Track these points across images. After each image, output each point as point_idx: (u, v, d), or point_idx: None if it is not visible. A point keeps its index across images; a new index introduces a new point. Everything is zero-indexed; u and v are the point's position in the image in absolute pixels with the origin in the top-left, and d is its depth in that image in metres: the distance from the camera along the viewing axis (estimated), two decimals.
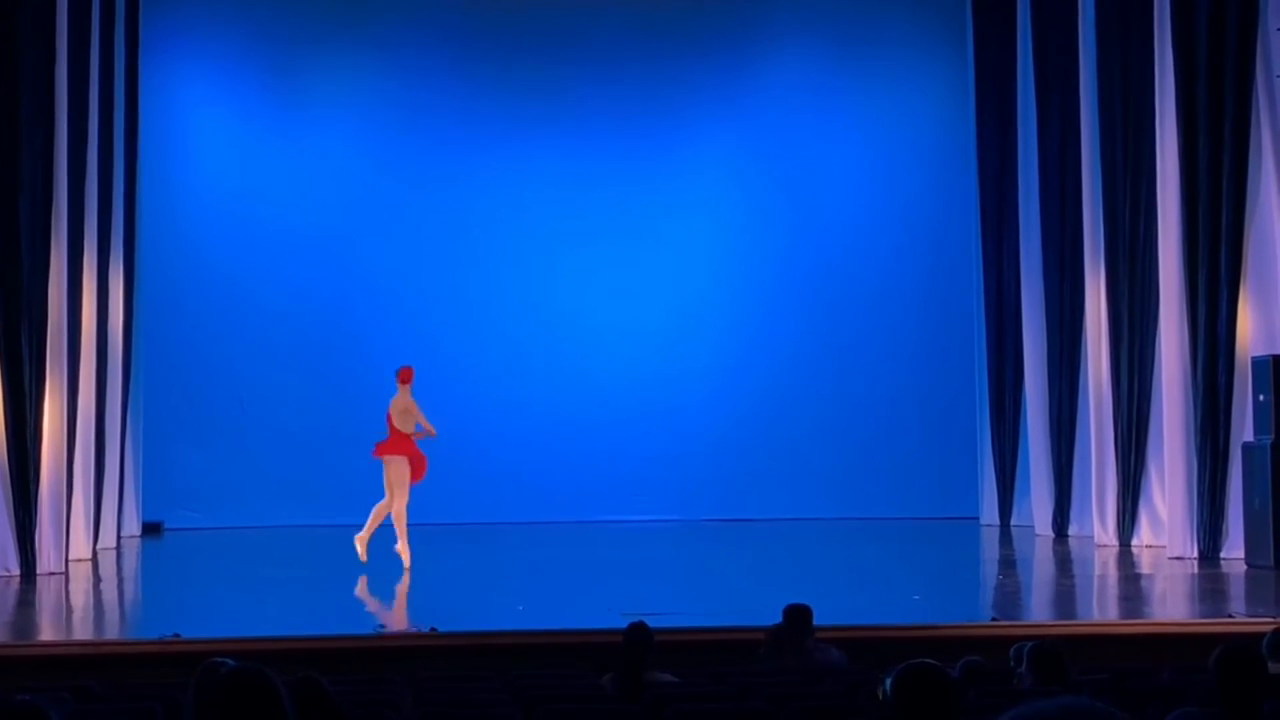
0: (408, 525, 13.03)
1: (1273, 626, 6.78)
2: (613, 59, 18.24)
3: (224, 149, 17.98)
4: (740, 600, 11.14)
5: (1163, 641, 8.97)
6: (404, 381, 13.33)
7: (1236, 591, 11.48)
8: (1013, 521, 16.83)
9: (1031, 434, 16.19)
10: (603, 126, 18.23)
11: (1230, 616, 9.71)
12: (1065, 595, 12.12)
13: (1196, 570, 12.54)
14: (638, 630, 7.14)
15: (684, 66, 18.22)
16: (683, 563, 14.72)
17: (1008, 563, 14.43)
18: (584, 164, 18.22)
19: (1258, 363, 12.75)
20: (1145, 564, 13.11)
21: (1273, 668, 5.81)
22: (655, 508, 17.65)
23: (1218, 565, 12.72)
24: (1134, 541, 14.13)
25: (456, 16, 18.17)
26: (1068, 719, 1.93)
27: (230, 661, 4.12)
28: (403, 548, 12.98)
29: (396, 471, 13.16)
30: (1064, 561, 14.03)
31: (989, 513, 17.14)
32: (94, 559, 14.15)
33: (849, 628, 8.88)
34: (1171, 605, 11.30)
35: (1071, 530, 15.56)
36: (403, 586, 12.53)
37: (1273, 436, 12.42)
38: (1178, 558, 13.05)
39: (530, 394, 17.76)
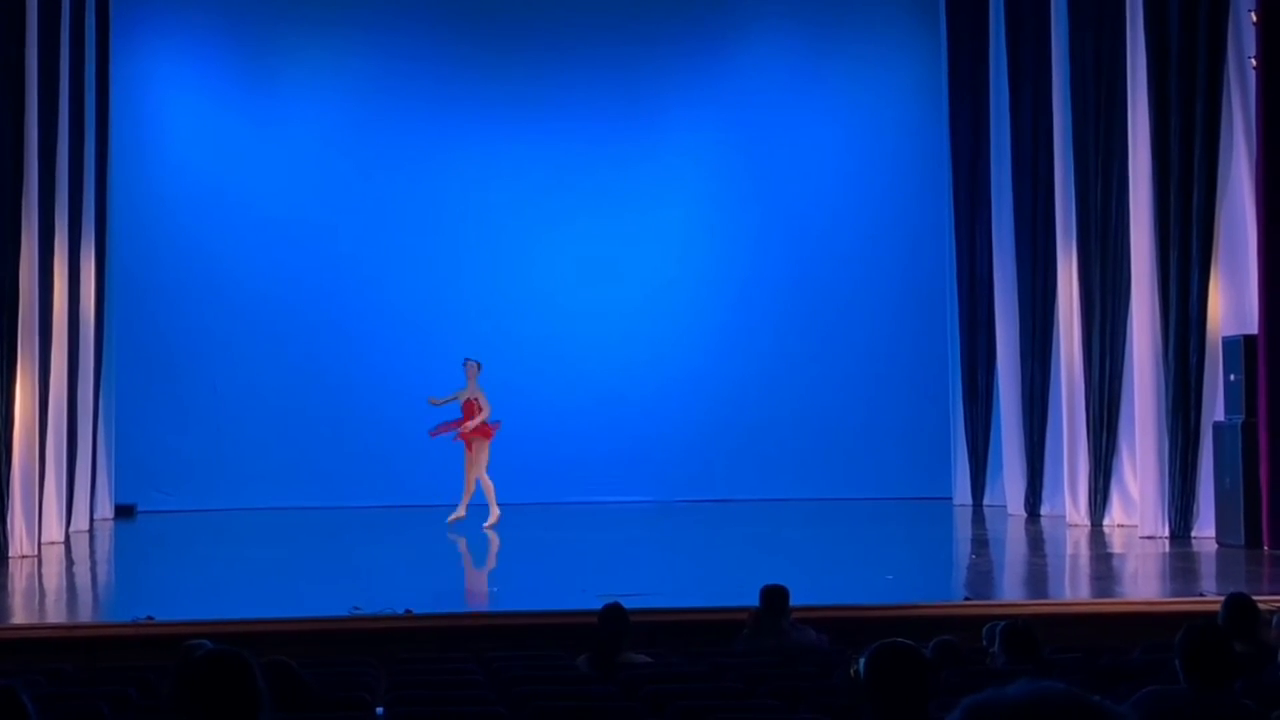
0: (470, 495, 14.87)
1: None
2: (589, 43, 18.20)
3: (196, 130, 17.89)
4: (716, 581, 11.16)
5: (1134, 620, 9.02)
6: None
7: (1208, 570, 11.55)
8: (985, 501, 16.89)
9: (1004, 414, 16.26)
10: (578, 111, 18.20)
11: (1201, 595, 9.76)
12: (1037, 575, 12.17)
13: (1168, 549, 12.61)
14: (613, 611, 7.15)
15: (659, 51, 18.20)
16: (658, 544, 14.74)
17: (980, 542, 14.49)
18: (560, 148, 18.19)
19: (1228, 343, 12.80)
20: (1117, 543, 13.18)
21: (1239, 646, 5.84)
22: (631, 489, 17.67)
23: (1189, 544, 12.79)
24: (1106, 521, 14.20)
25: (431, 1, 18.12)
26: (1037, 709, 1.91)
27: (208, 643, 4.13)
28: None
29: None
30: (1036, 541, 14.09)
31: (962, 493, 17.21)
32: (67, 542, 14.11)
33: (824, 608, 8.90)
34: (1143, 584, 11.36)
35: (1044, 510, 15.64)
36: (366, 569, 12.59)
37: (1243, 416, 12.48)
38: (1149, 537, 13.12)
39: (505, 376, 17.68)
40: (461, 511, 14.88)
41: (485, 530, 14.62)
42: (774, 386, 18.19)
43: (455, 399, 15.01)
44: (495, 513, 14.82)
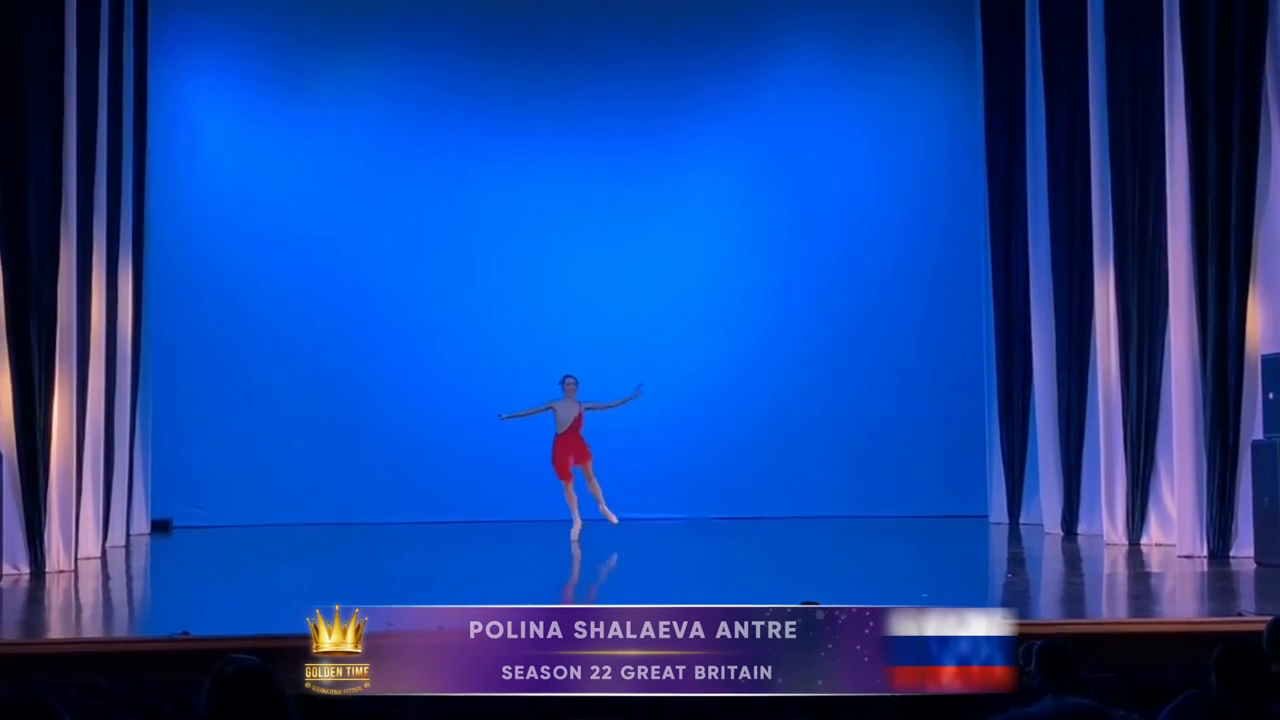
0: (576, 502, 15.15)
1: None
2: (619, 57, 18.24)
3: (233, 147, 17.99)
4: (749, 598, 11.11)
5: (1172, 640, 8.95)
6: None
7: (1246, 590, 11.45)
8: (1022, 519, 16.81)
9: (1040, 431, 16.17)
10: (608, 126, 18.23)
11: (1240, 615, 9.68)
12: (1074, 593, 12.09)
13: (1206, 569, 12.52)
14: None
15: (690, 66, 18.22)
16: (691, 561, 14.72)
17: (1016, 560, 14.42)
18: (590, 163, 18.23)
19: (1267, 361, 12.72)
20: (1154, 562, 13.09)
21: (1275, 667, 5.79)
22: (663, 506, 17.66)
23: (1227, 564, 12.70)
24: (1143, 540, 14.11)
25: (463, 15, 18.19)
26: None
27: (254, 659, 4.13)
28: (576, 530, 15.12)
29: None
30: (1073, 559, 14.01)
31: (998, 510, 17.13)
32: (103, 556, 14.18)
33: None
34: (1181, 604, 11.27)
35: (1081, 528, 15.55)
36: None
37: None
38: (1187, 556, 13.03)
39: (537, 393, 17.73)
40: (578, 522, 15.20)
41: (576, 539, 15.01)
42: (806, 402, 18.15)
43: (542, 411, 15.16)
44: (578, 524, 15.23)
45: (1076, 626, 9.34)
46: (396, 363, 17.97)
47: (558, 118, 18.18)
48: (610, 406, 15.27)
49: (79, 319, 13.42)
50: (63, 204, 12.92)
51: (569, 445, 15.07)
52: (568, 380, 15.18)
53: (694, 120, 18.34)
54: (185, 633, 8.97)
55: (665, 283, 18.18)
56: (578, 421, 15.08)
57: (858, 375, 18.23)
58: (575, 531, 15.06)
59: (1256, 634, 6.60)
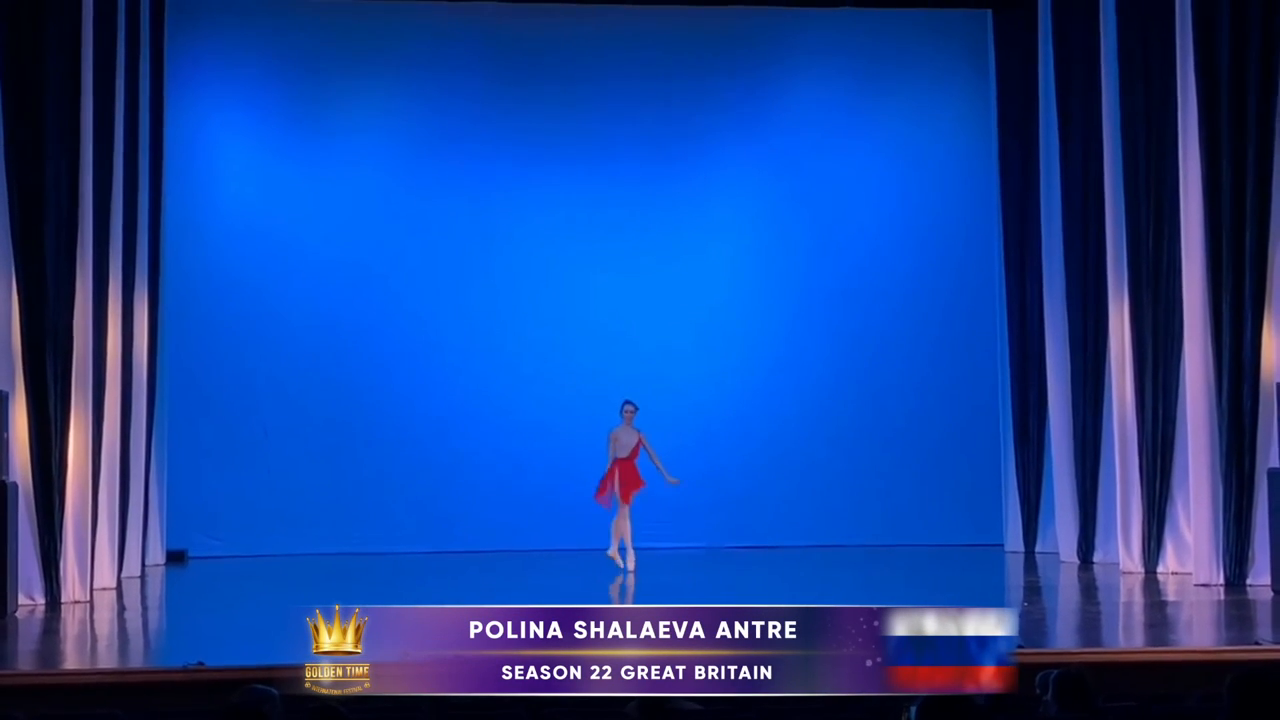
0: (621, 537, 15.13)
1: None
2: (637, 82, 18.27)
3: (249, 176, 18.03)
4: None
5: (1189, 669, 8.93)
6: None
7: (1263, 618, 11.41)
8: (1037, 548, 16.77)
9: (1056, 460, 16.15)
10: (627, 150, 18.25)
11: (1257, 643, 9.66)
12: (1090, 622, 12.07)
13: (1222, 597, 12.49)
14: None
15: (708, 90, 18.25)
16: (707, 589, 14.69)
17: (1032, 589, 14.38)
18: (608, 187, 18.25)
19: None
20: (1171, 591, 13.06)
21: None
22: (679, 534, 17.62)
23: (1244, 592, 12.67)
24: (1159, 568, 14.09)
25: (480, 42, 18.23)
26: None
27: (268, 689, 4.15)
28: (614, 553, 15.11)
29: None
30: (1089, 588, 13.98)
31: (1013, 539, 17.10)
32: (118, 587, 14.18)
33: None
34: (1197, 632, 11.25)
35: (1097, 557, 15.53)
36: None
37: None
38: (1203, 584, 13.01)
39: (556, 420, 17.78)
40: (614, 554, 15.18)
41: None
42: (822, 432, 18.13)
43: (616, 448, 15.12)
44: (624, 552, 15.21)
45: (1093, 655, 9.32)
46: (416, 392, 17.97)
47: (575, 144, 18.20)
48: (656, 463, 15.14)
49: (95, 350, 13.45)
50: (78, 235, 12.97)
51: (627, 471, 15.05)
52: (627, 406, 15.16)
53: (712, 146, 18.36)
54: (201, 663, 8.99)
55: (683, 309, 18.18)
56: (636, 449, 15.04)
57: (873, 405, 18.21)
58: (616, 553, 15.07)
59: (1272, 662, 6.58)
